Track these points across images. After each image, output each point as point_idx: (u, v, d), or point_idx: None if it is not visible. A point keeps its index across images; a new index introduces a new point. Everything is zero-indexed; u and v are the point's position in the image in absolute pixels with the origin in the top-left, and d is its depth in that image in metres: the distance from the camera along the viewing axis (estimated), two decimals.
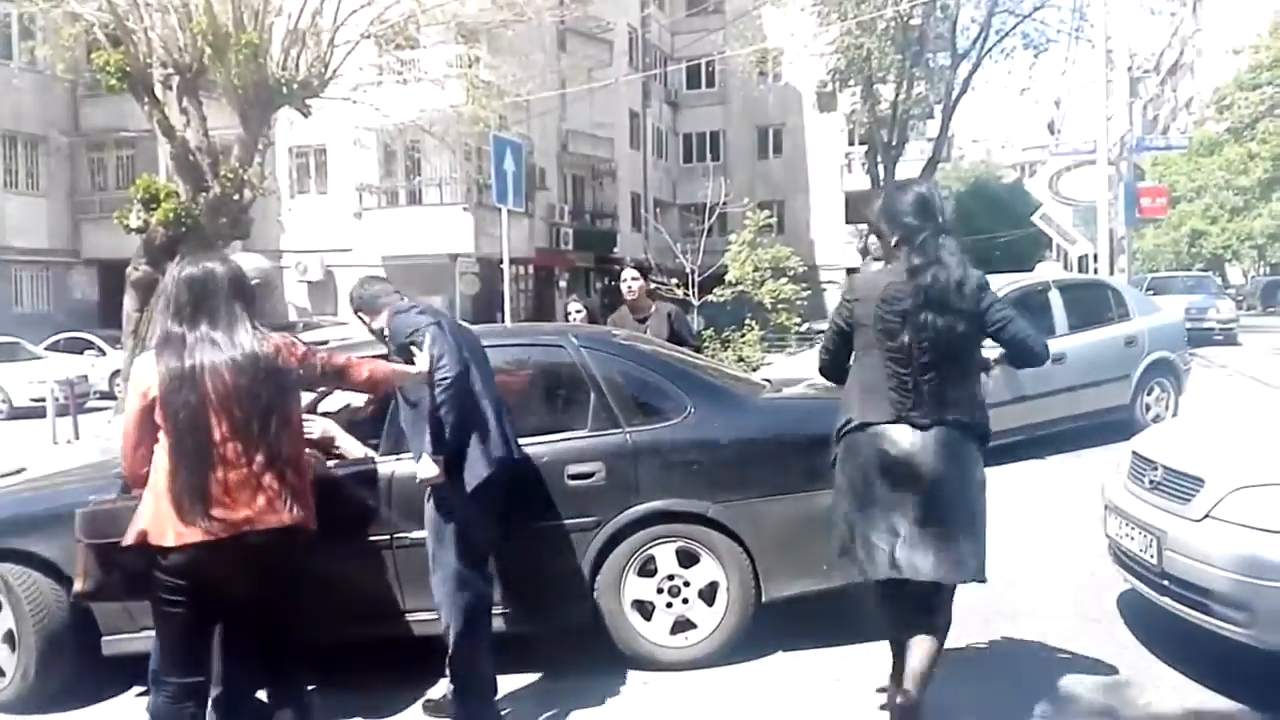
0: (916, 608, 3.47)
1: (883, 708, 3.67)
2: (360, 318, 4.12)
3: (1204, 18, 65.10)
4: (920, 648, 3.38)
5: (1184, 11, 60.04)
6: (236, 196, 13.22)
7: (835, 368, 3.73)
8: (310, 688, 3.40)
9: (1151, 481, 4.10)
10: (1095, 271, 15.88)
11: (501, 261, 11.97)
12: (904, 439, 3.38)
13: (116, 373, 15.88)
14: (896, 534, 3.38)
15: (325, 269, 26.68)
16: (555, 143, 29.84)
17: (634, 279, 6.57)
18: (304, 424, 3.43)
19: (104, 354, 19.93)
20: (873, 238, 4.33)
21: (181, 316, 3.08)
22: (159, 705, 3.15)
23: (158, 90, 13.31)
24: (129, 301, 12.46)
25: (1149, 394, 9.63)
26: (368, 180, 26.24)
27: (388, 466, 4.26)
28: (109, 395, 17.50)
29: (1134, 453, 4.44)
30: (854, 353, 3.58)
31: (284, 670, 3.27)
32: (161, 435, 3.01)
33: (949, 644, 3.57)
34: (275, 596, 3.14)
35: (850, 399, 3.54)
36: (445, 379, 3.68)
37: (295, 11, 13.50)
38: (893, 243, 3.54)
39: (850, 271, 35.43)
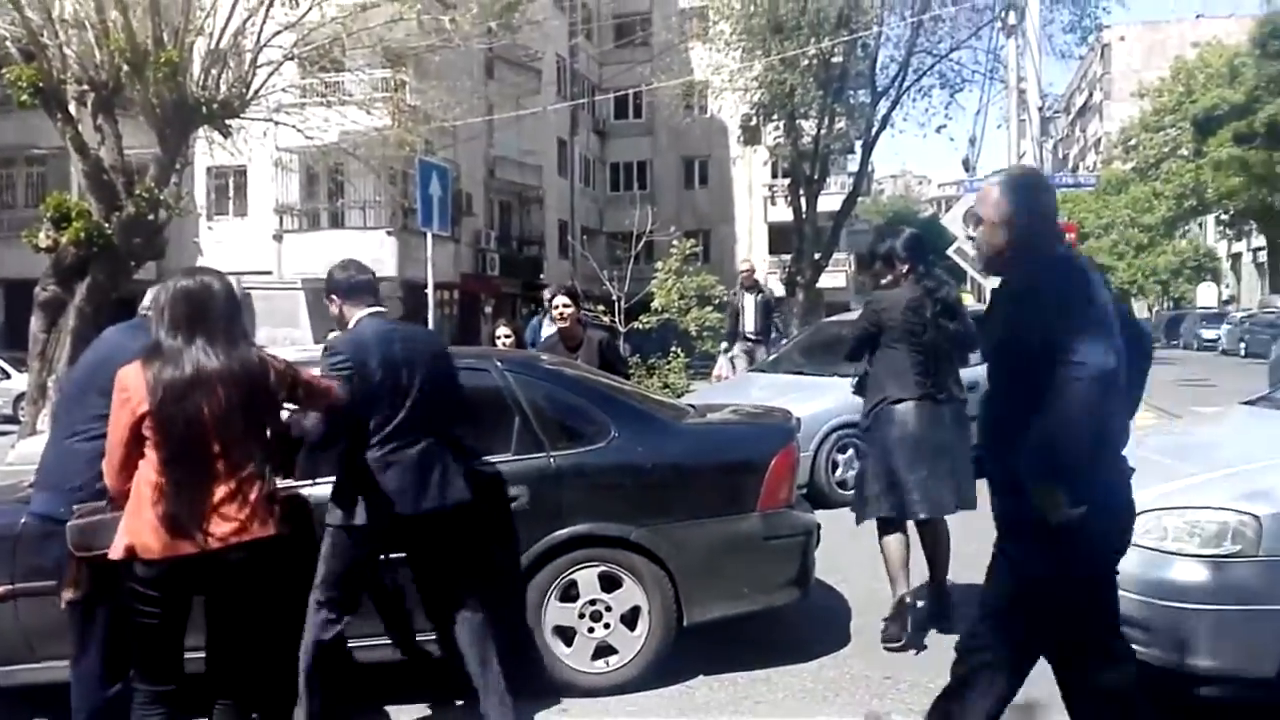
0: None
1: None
2: (326, 300, 4.05)
3: (1111, 62, 67.97)
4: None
5: (1093, 56, 62.50)
6: (151, 216, 12.92)
7: (858, 357, 5.12)
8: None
9: None
10: None
11: (426, 286, 11.88)
12: (928, 411, 4.78)
13: (21, 396, 15.33)
14: (919, 482, 4.74)
15: (243, 291, 26.07)
16: (482, 169, 29.79)
17: (565, 305, 6.46)
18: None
19: (8, 376, 19.18)
20: (878, 263, 5.09)
21: (178, 329, 3.09)
22: (134, 711, 3.18)
23: (71, 107, 12.99)
24: (36, 322, 12.09)
25: None
26: (289, 202, 25.86)
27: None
28: (12, 419, 16.83)
29: None
30: (879, 349, 4.88)
31: (268, 681, 3.40)
32: (149, 449, 3.02)
33: (870, 667, 4.20)
34: (254, 606, 3.22)
35: (880, 382, 4.86)
36: (317, 435, 3.65)
37: (217, 31, 13.31)
38: (904, 270, 4.89)
39: (779, 300, 35.99)
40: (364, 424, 3.67)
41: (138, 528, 2.98)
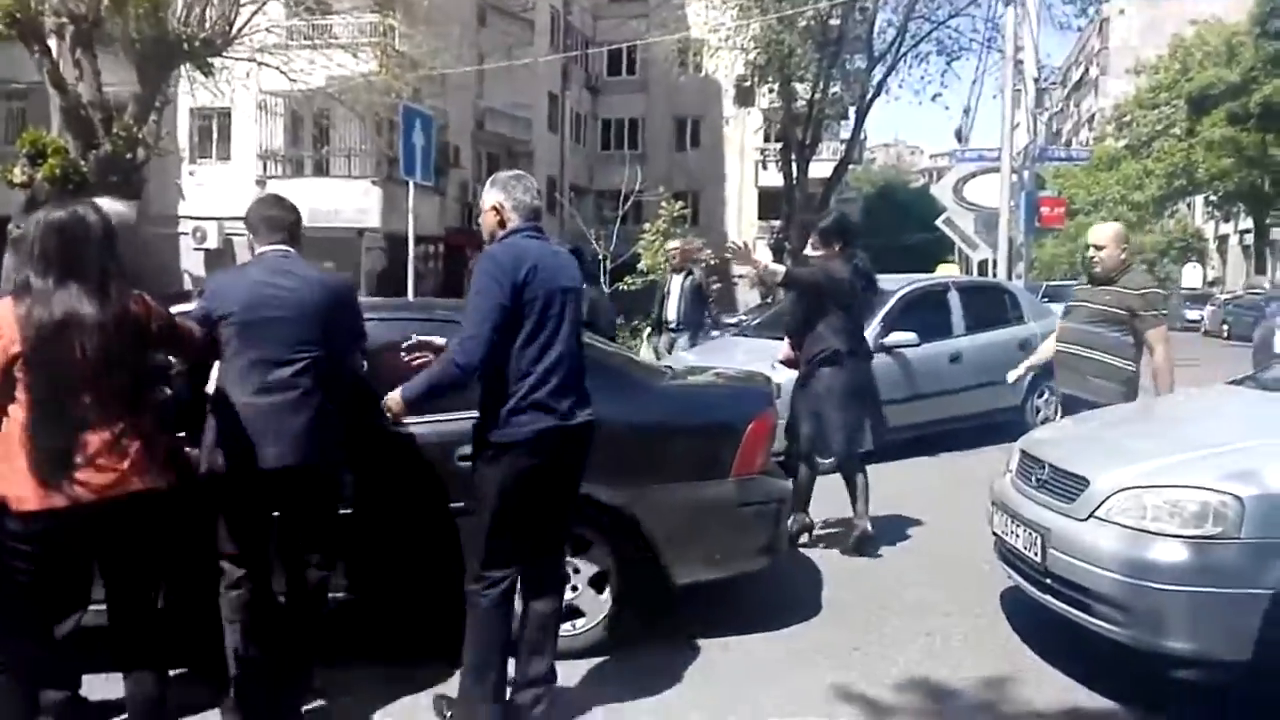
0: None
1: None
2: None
3: (1109, 37, 67.54)
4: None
5: (1090, 30, 62.06)
6: (129, 155, 12.69)
7: (803, 303, 6.01)
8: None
9: (1039, 480, 4.16)
10: (995, 277, 16.26)
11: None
12: (862, 364, 5.89)
13: None
14: (847, 422, 5.77)
15: (224, 237, 25.74)
16: (471, 120, 29.34)
17: None
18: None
19: None
20: (814, 236, 6.03)
21: (49, 266, 2.85)
22: None
23: (50, 41, 12.68)
24: (9, 261, 11.81)
25: (1039, 397, 9.84)
26: (273, 148, 25.40)
27: None
28: None
29: (1022, 451, 4.49)
30: (825, 309, 5.75)
31: (137, 639, 3.10)
32: (19, 392, 2.80)
33: (835, 636, 4.46)
34: (137, 562, 3.02)
35: (823, 336, 5.74)
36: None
37: None
38: (838, 247, 5.84)
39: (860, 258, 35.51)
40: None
41: (10, 477, 2.78)
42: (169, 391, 3.61)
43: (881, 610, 4.83)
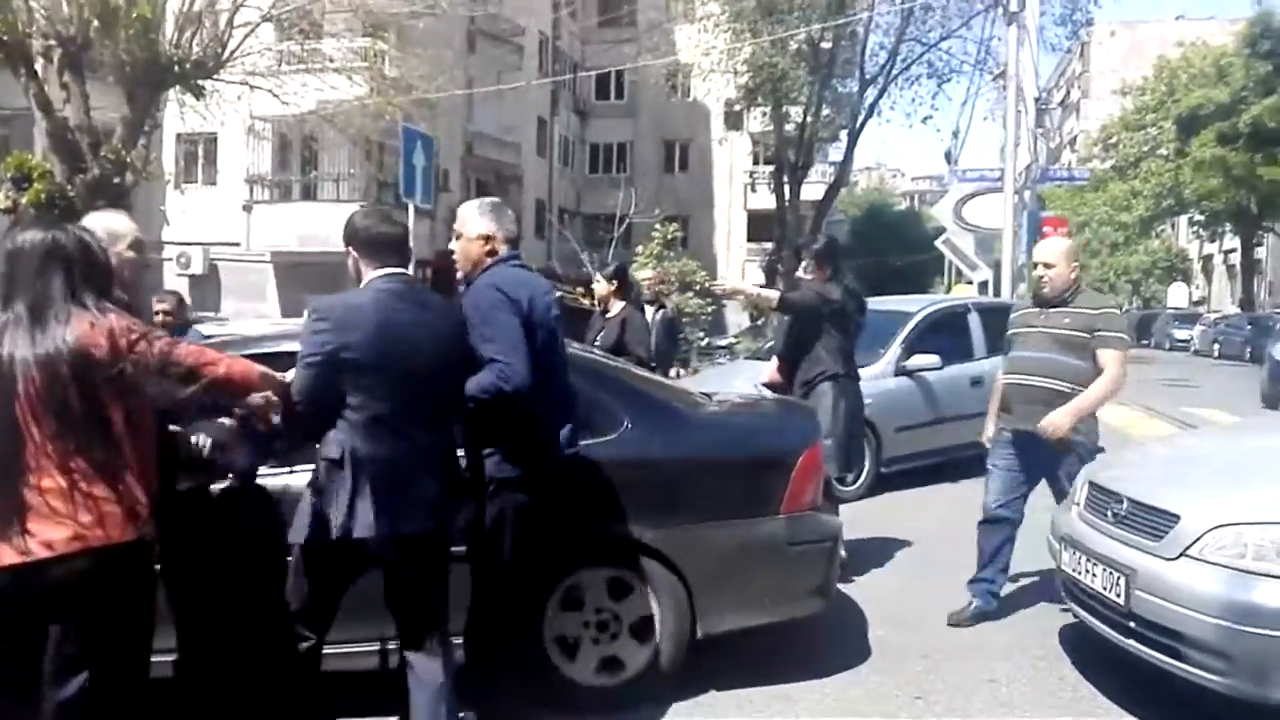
0: None
1: None
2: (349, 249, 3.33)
3: (1090, 60, 68.19)
4: None
5: (1072, 54, 62.60)
6: (117, 179, 12.39)
7: (803, 328, 5.80)
8: None
9: (1115, 515, 3.88)
10: (996, 298, 16.07)
11: (419, 281, 11.36)
12: (853, 386, 5.81)
13: None
14: (838, 444, 5.57)
15: (209, 262, 25.41)
16: (460, 145, 29.12)
17: (607, 278, 7.00)
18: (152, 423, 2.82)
19: None
20: (807, 259, 5.93)
21: None
22: None
23: (38, 64, 12.38)
24: None
25: None
26: (260, 172, 25.09)
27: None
28: None
29: (1091, 484, 4.22)
30: (820, 331, 5.66)
31: (120, 712, 2.73)
32: None
33: (892, 684, 4.23)
34: (109, 625, 2.63)
35: (820, 358, 5.64)
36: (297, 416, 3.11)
37: None
38: (829, 270, 5.78)
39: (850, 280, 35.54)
40: (333, 414, 3.07)
41: None
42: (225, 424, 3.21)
43: (936, 653, 4.53)
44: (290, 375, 3.12)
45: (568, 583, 3.94)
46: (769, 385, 6.14)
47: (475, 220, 3.52)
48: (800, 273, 6.05)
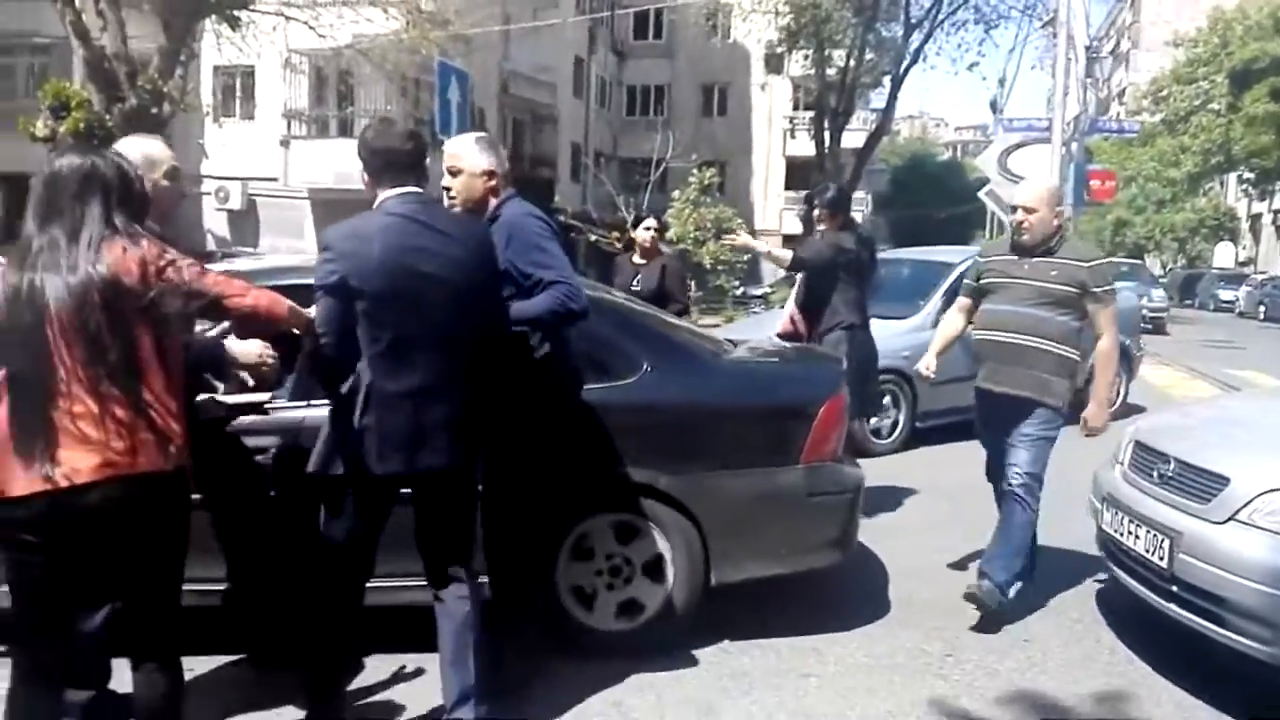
0: None
1: None
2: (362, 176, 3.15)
3: (1141, 10, 66.20)
4: None
5: (1123, 3, 60.84)
6: (154, 110, 12.35)
7: (824, 280, 5.82)
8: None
9: (1162, 476, 3.76)
10: None
11: (438, 200, 11.29)
12: (868, 335, 5.88)
13: None
14: (861, 391, 5.50)
15: (248, 197, 25.43)
16: (495, 83, 28.79)
17: (650, 227, 6.66)
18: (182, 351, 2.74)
19: None
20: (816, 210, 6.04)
21: (36, 220, 2.52)
22: (11, 688, 2.61)
23: None
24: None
25: None
26: (297, 107, 24.97)
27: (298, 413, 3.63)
28: None
29: (1137, 443, 4.10)
30: (837, 281, 5.71)
31: (152, 639, 2.71)
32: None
33: (921, 641, 4.15)
34: (142, 555, 2.61)
35: (837, 309, 5.69)
36: (321, 351, 2.97)
37: None
38: (840, 221, 5.85)
39: (790, 239, 35.35)
40: (354, 346, 2.94)
41: (1, 461, 2.44)
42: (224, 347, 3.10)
43: (964, 611, 4.43)
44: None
45: (581, 528, 3.88)
46: (782, 335, 6.09)
47: (476, 156, 3.39)
48: (817, 224, 6.10)
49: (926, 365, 4.67)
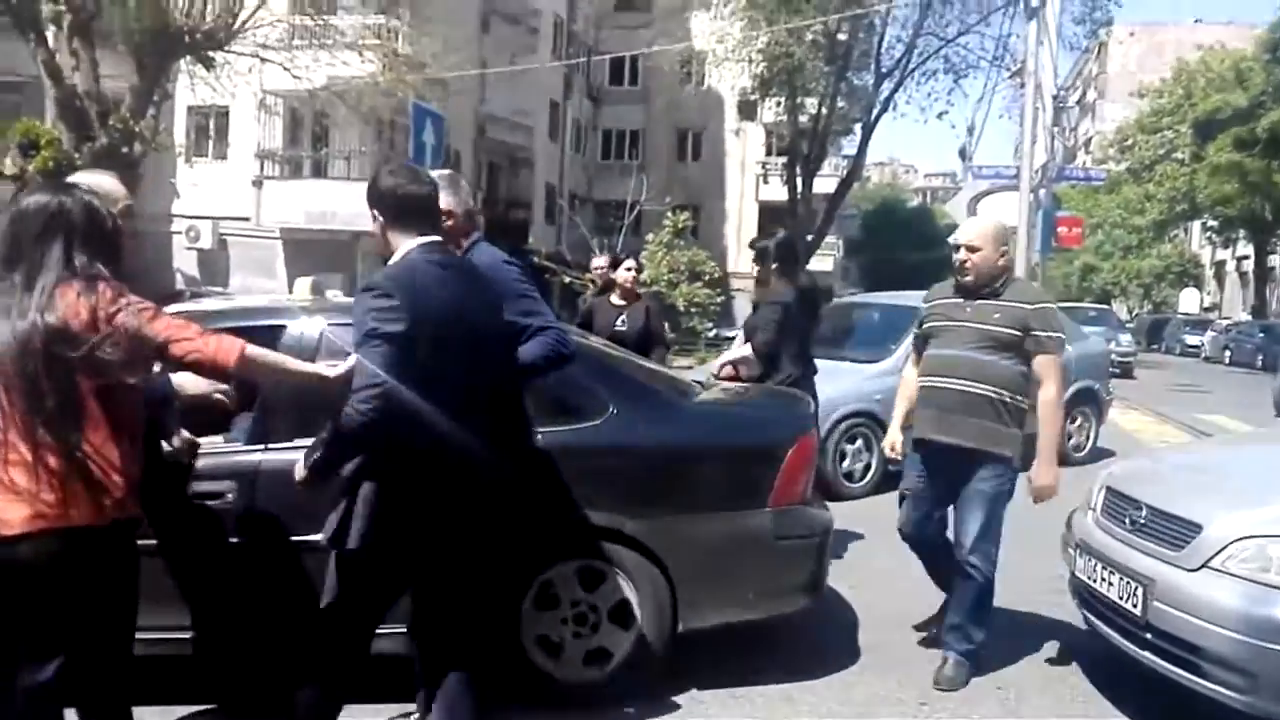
0: None
1: None
2: (372, 214, 2.97)
3: (1107, 62, 67.75)
4: None
5: (1089, 55, 62.24)
6: (125, 149, 12.26)
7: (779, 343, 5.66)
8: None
9: (1134, 522, 3.75)
10: None
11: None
12: (812, 387, 5.63)
13: None
14: None
15: (219, 237, 25.29)
16: (472, 127, 28.95)
17: (630, 268, 6.80)
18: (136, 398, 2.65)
19: None
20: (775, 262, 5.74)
21: (0, 260, 2.49)
22: None
23: (47, 30, 12.27)
24: None
25: (1072, 422, 9.50)
26: (271, 148, 24.94)
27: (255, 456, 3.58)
28: None
29: (1109, 489, 4.09)
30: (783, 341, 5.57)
31: (98, 693, 2.63)
32: None
33: (891, 688, 4.06)
34: (82, 608, 2.51)
35: (785, 362, 5.54)
36: (362, 410, 2.67)
37: None
38: (782, 269, 5.67)
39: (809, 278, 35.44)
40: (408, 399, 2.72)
41: None
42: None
43: (934, 655, 4.38)
44: (322, 367, 2.87)
45: (545, 575, 3.79)
46: (720, 378, 5.95)
47: (456, 194, 3.34)
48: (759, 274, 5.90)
49: (892, 446, 4.39)
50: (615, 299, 6.77)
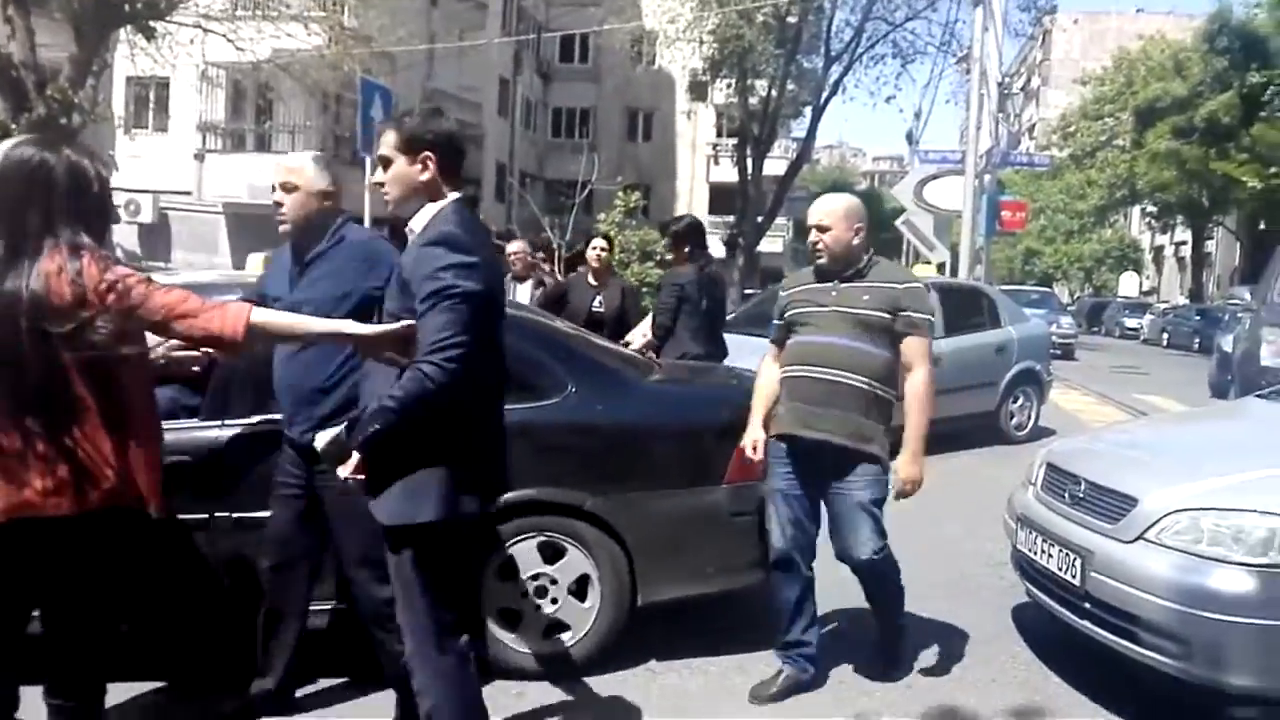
0: None
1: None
2: (400, 154, 2.70)
3: (1051, 49, 68.83)
4: None
5: (1033, 42, 63.22)
6: (63, 120, 11.95)
7: (672, 324, 5.99)
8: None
9: (1073, 497, 3.86)
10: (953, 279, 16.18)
11: (360, 219, 11.13)
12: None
13: None
14: None
15: (159, 211, 24.76)
16: (419, 102, 28.53)
17: (603, 249, 6.83)
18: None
19: None
20: (676, 240, 6.26)
21: None
22: None
23: None
24: None
25: (1014, 402, 9.71)
26: (213, 120, 24.46)
27: (211, 433, 3.58)
28: None
29: (1049, 465, 4.20)
30: (680, 315, 5.95)
31: (71, 679, 2.55)
32: None
33: (842, 659, 4.10)
34: (64, 595, 2.44)
35: (682, 340, 5.91)
36: (446, 369, 2.48)
37: None
38: (688, 249, 6.13)
39: (711, 262, 35.75)
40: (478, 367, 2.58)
41: None
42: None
43: None
44: (346, 324, 2.71)
45: (508, 550, 3.83)
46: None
47: (315, 174, 3.23)
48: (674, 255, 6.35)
49: (753, 445, 3.77)
50: (590, 279, 6.82)
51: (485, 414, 2.72)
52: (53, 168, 2.35)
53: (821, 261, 3.72)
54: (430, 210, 2.69)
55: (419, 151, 2.66)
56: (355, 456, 2.52)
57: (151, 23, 13.06)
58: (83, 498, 2.33)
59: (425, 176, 2.68)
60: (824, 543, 3.85)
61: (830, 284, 3.69)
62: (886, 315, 3.59)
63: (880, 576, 3.84)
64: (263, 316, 2.57)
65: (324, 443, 2.66)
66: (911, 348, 3.62)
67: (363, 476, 2.54)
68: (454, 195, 2.71)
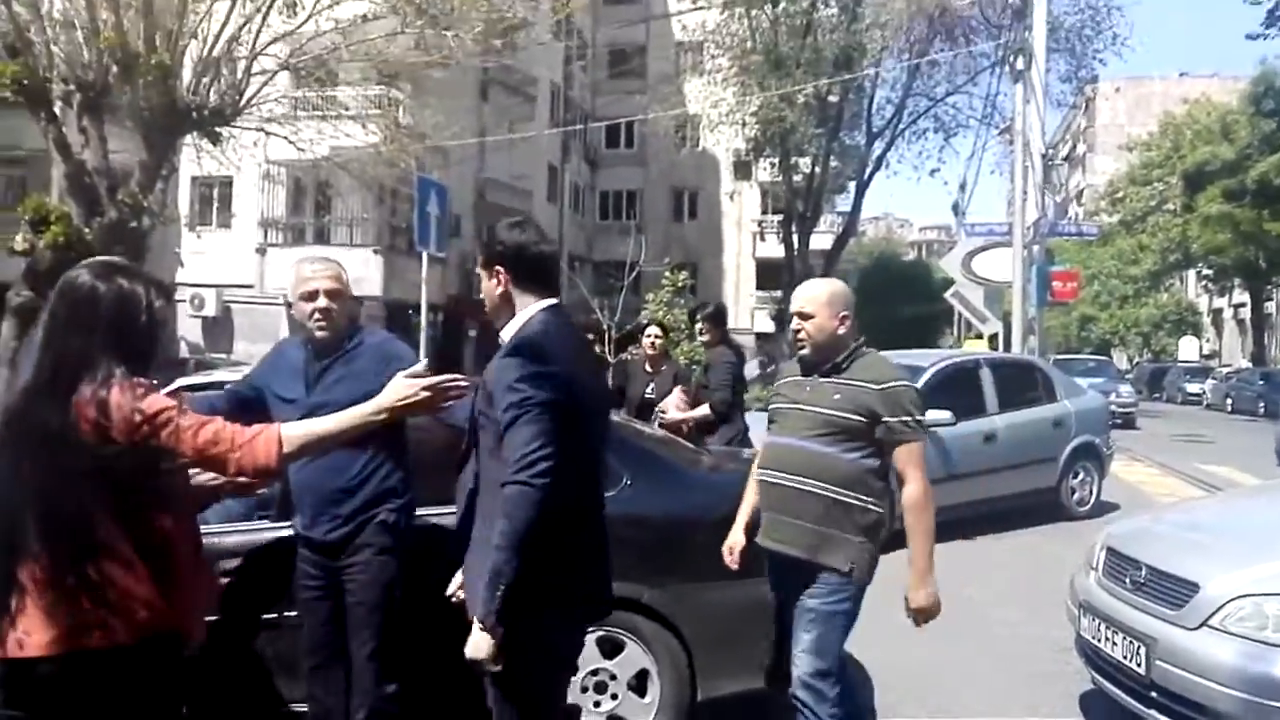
0: None
1: None
2: (483, 271, 2.74)
3: (1095, 115, 68.81)
4: None
5: (1077, 109, 63.29)
6: (134, 223, 12.44)
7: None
8: None
9: (1134, 582, 3.84)
10: (1008, 352, 16.08)
11: (413, 307, 11.44)
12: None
13: None
14: None
15: (223, 304, 25.57)
16: (472, 192, 29.38)
17: (657, 337, 7.09)
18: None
19: None
20: (704, 323, 6.95)
21: (40, 344, 2.32)
22: None
23: (56, 108, 12.53)
24: (7, 329, 11.55)
25: (1074, 477, 9.59)
26: (274, 216, 25.35)
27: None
28: None
29: (1110, 549, 4.18)
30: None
31: None
32: None
33: None
34: None
35: (736, 418, 6.62)
36: (536, 484, 2.43)
37: (211, 36, 12.90)
38: (720, 334, 6.79)
39: (761, 337, 35.86)
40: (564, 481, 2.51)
41: None
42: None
43: (949, 710, 4.45)
44: (366, 406, 2.65)
45: None
46: (665, 425, 6.40)
47: (347, 278, 3.44)
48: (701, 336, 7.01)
49: (729, 549, 3.55)
50: (646, 367, 7.11)
51: (580, 525, 2.67)
52: (100, 297, 2.32)
53: (804, 352, 3.37)
54: (519, 320, 2.67)
55: (492, 265, 2.71)
56: (492, 641, 2.45)
57: (217, 128, 13.63)
58: (112, 632, 2.25)
59: (500, 290, 2.70)
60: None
61: (810, 378, 3.35)
62: (860, 419, 3.18)
63: (807, 712, 3.22)
64: (291, 436, 2.49)
65: (472, 654, 2.49)
66: (900, 457, 3.21)
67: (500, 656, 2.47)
68: (542, 303, 2.68)
